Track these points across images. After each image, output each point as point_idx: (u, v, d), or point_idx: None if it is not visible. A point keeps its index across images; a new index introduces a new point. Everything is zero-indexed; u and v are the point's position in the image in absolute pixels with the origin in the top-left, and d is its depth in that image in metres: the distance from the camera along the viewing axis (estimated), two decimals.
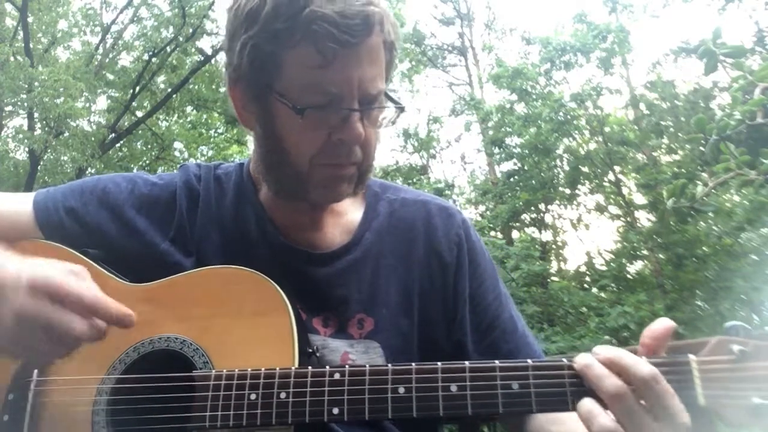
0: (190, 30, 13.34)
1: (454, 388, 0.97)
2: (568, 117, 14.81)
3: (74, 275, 1.04)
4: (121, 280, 1.23)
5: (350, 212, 1.33)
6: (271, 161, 1.20)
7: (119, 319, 1.04)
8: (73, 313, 1.00)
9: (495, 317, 1.30)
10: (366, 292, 1.25)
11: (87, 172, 12.05)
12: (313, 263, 1.25)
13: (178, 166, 1.38)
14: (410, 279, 1.27)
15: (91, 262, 1.25)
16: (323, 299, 1.23)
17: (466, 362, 0.99)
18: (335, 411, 0.99)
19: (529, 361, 0.98)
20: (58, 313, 0.99)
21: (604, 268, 14.95)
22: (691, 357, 0.93)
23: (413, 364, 1.00)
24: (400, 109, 1.20)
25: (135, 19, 14.90)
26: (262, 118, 1.18)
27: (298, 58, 1.09)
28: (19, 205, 1.31)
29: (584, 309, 13.62)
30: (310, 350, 1.14)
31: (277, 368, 1.03)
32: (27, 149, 12.54)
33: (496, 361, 0.98)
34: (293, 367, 1.04)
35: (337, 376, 1.01)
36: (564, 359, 0.96)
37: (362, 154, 1.16)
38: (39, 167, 12.50)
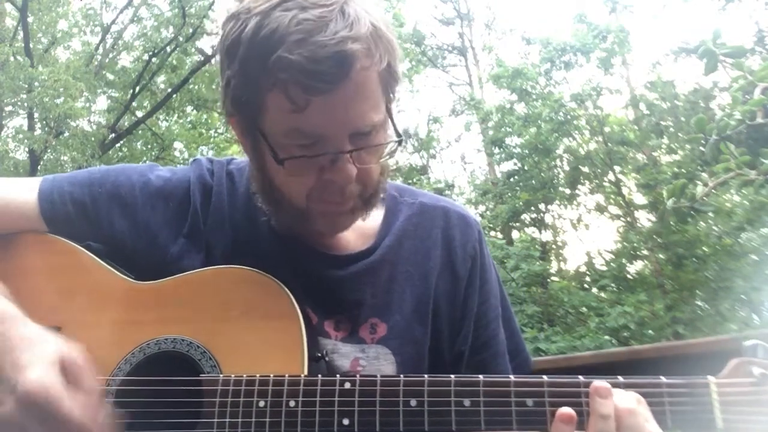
0: (190, 30, 13.34)
1: (467, 402, 0.96)
2: (568, 117, 14.81)
3: (71, 369, 0.97)
4: (125, 277, 1.20)
5: (366, 216, 1.28)
6: (268, 197, 1.17)
7: None
8: None
9: (491, 337, 1.28)
10: (380, 297, 1.22)
11: None
12: (328, 265, 1.22)
13: (192, 159, 1.35)
14: (426, 287, 1.24)
15: (94, 257, 1.22)
16: (336, 302, 1.21)
17: (480, 376, 0.97)
18: (345, 422, 0.97)
19: (545, 377, 0.96)
20: None
21: (604, 268, 14.93)
22: (711, 379, 0.93)
23: (426, 376, 0.98)
24: (398, 141, 1.12)
25: (135, 19, 14.90)
26: (253, 154, 1.14)
27: (275, 102, 1.03)
28: (23, 193, 1.26)
29: (584, 309, 13.62)
30: (319, 354, 1.11)
31: (287, 375, 1.01)
32: (27, 149, 12.54)
33: (511, 376, 0.97)
34: (303, 375, 1.02)
35: (347, 385, 0.99)
36: (581, 377, 0.95)
37: (361, 186, 1.11)
38: (39, 167, 12.49)
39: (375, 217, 1.28)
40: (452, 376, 0.98)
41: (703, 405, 0.91)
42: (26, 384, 0.92)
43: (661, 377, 0.94)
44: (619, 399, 0.90)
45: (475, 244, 1.31)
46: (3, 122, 13.46)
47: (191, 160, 1.36)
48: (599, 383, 0.92)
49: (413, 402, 0.97)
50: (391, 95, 1.12)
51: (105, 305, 1.17)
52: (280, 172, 1.09)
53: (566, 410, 0.91)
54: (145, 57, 14.27)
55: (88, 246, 1.23)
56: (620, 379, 0.94)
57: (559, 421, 0.91)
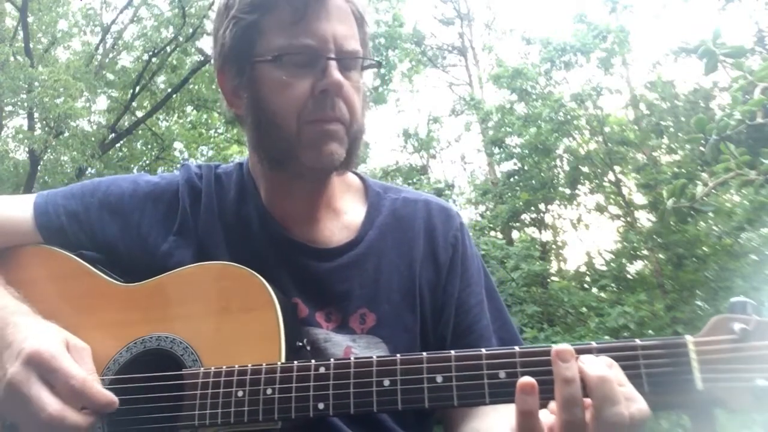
0: (190, 30, 13.30)
1: (439, 378, 0.96)
2: (568, 117, 14.78)
3: (75, 351, 1.06)
4: (114, 281, 1.24)
5: (351, 211, 1.35)
6: (261, 130, 1.22)
7: (102, 408, 1.03)
8: (53, 396, 1.00)
9: (474, 322, 1.31)
10: (368, 288, 1.26)
11: (87, 172, 12.03)
12: (316, 258, 1.27)
13: (179, 165, 1.43)
14: (412, 275, 1.29)
15: (86, 264, 1.26)
16: (325, 294, 1.25)
17: (452, 351, 0.97)
18: (320, 406, 0.99)
19: (516, 348, 0.96)
20: (38, 389, 1.00)
21: (604, 268, 14.92)
22: (688, 338, 0.89)
23: (398, 355, 1.00)
24: (378, 63, 1.29)
25: (135, 19, 14.87)
26: (248, 89, 1.22)
27: (276, 19, 1.18)
28: (18, 208, 1.31)
29: (584, 309, 13.59)
30: (300, 344, 1.14)
31: (264, 364, 1.03)
32: (27, 149, 12.51)
33: (483, 350, 0.97)
34: (279, 363, 1.04)
35: (322, 370, 1.01)
36: (553, 346, 0.93)
37: (347, 113, 1.19)
38: (39, 167, 12.47)
39: (358, 212, 1.35)
40: (424, 353, 0.98)
41: (681, 366, 0.87)
42: (32, 346, 1.02)
43: (636, 340, 0.91)
44: (588, 366, 0.88)
45: (456, 233, 1.36)
46: (3, 122, 13.45)
47: (179, 165, 1.43)
48: (560, 346, 0.89)
49: (386, 382, 0.98)
50: (370, 66, 1.27)
51: (94, 308, 1.21)
52: (277, 90, 1.18)
53: (526, 380, 0.88)
54: (145, 57, 14.24)
55: (80, 255, 1.28)
56: (593, 344, 0.93)
57: (520, 392, 0.88)
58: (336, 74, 1.16)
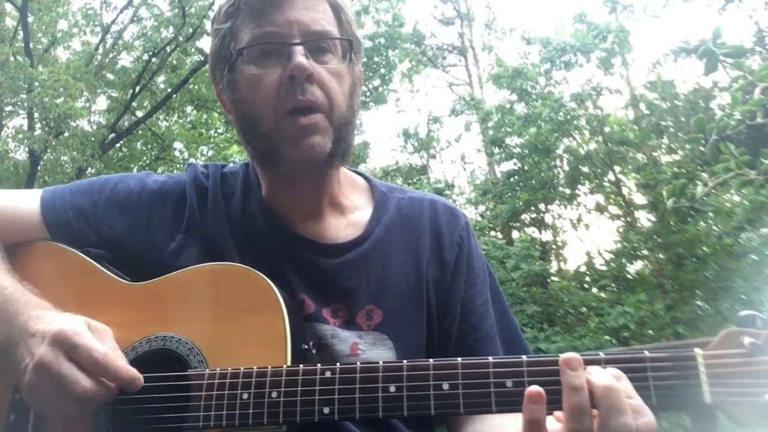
0: (190, 30, 13.30)
1: (446, 386, 0.95)
2: (568, 117, 14.79)
3: (97, 332, 1.08)
4: (121, 280, 1.23)
5: (357, 210, 1.35)
6: (244, 127, 1.24)
7: (126, 382, 1.05)
8: (83, 372, 1.02)
9: (479, 321, 1.31)
10: (375, 285, 1.26)
11: (87, 172, 12.03)
12: (322, 254, 1.26)
13: (187, 164, 1.42)
14: (419, 273, 1.29)
15: (92, 261, 1.25)
16: (332, 290, 1.24)
17: (459, 359, 0.97)
18: (326, 410, 0.98)
19: (524, 357, 0.95)
20: (69, 367, 1.01)
21: (604, 268, 14.92)
22: (697, 351, 0.89)
23: (404, 361, 0.99)
24: (348, 41, 1.24)
25: (135, 19, 14.87)
26: (229, 90, 1.24)
27: (243, 19, 1.21)
28: (25, 203, 1.30)
29: (584, 309, 13.60)
30: (306, 347, 1.13)
31: (269, 367, 1.03)
32: (27, 149, 12.51)
33: (490, 358, 0.96)
34: (285, 366, 1.03)
35: (328, 374, 1.00)
36: (560, 355, 0.92)
37: (325, 99, 1.18)
38: (39, 167, 12.47)
39: (365, 211, 1.35)
40: (431, 360, 0.98)
41: (689, 378, 0.87)
42: (56, 327, 1.04)
43: (645, 351, 0.90)
44: (596, 376, 0.88)
45: (462, 233, 1.36)
46: (3, 122, 13.44)
47: (187, 164, 1.43)
48: (568, 355, 0.89)
49: (392, 388, 0.97)
50: (350, 49, 1.24)
51: (99, 307, 1.20)
52: (251, 85, 1.20)
53: (534, 389, 0.88)
54: (145, 57, 14.23)
55: (87, 252, 1.26)
56: (601, 354, 0.92)
57: (528, 401, 0.88)
58: (299, 58, 1.16)
